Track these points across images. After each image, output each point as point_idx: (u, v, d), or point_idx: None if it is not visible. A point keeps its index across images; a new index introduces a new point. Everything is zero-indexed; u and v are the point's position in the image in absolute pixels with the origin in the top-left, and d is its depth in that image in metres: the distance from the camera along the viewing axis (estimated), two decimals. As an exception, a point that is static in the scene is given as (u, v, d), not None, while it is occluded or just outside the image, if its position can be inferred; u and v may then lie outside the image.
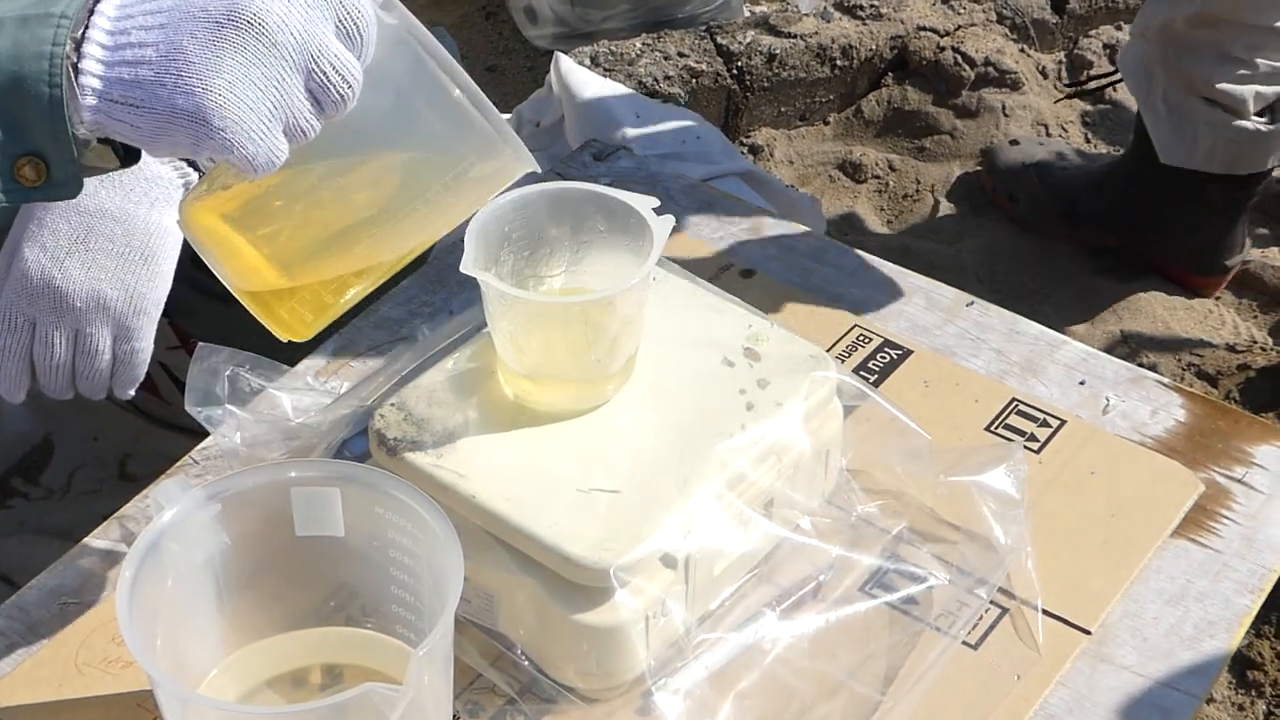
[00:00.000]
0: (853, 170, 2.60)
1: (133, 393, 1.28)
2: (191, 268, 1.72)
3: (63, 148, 0.93)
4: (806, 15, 2.71)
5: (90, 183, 1.22)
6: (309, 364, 1.33)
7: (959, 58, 2.68)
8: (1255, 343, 2.28)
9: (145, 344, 1.26)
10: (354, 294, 1.05)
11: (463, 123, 0.98)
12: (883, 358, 1.34)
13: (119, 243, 1.22)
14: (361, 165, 1.01)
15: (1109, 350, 1.92)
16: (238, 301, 1.71)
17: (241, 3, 0.90)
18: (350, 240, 1.02)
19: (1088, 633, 1.13)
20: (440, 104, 0.98)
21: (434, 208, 1.02)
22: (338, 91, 0.93)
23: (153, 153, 0.99)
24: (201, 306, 1.73)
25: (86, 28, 0.91)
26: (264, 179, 0.95)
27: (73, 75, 0.90)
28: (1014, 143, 2.56)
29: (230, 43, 0.90)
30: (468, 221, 1.06)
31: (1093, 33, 2.84)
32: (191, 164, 1.29)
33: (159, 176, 1.26)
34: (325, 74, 0.92)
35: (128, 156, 1.03)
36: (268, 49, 0.91)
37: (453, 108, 0.98)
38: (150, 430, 1.86)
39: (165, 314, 1.83)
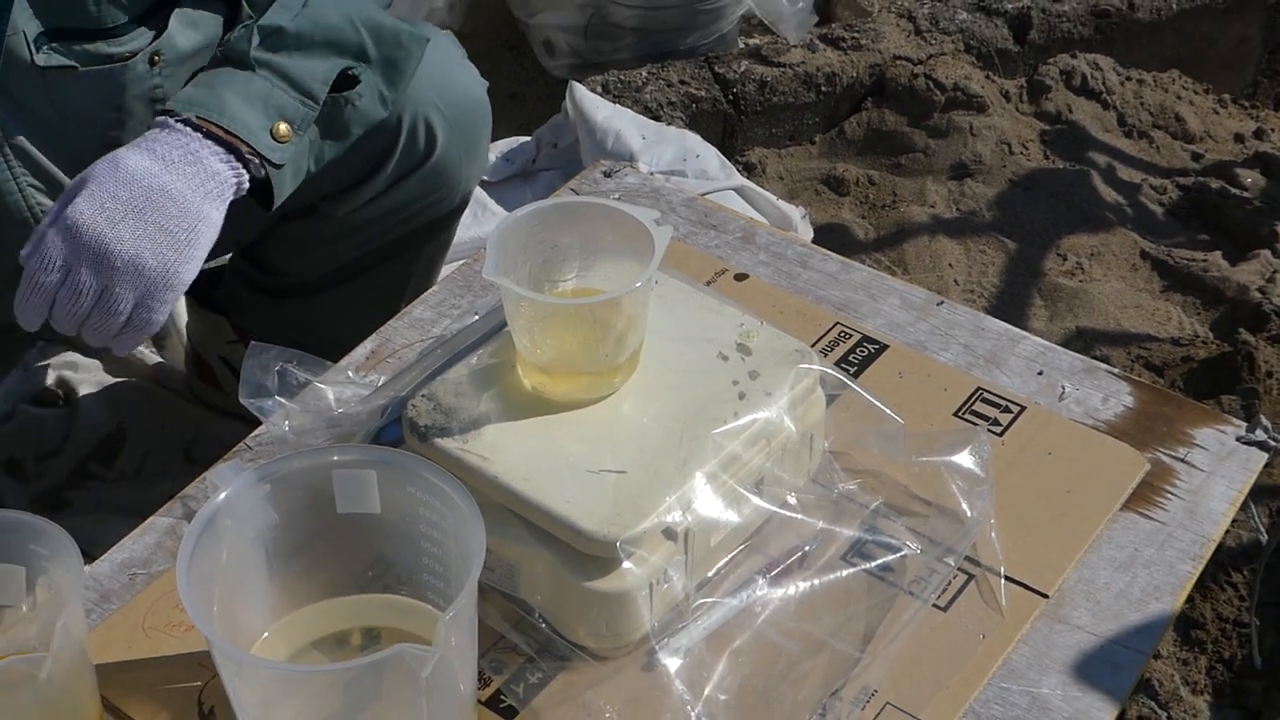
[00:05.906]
0: (836, 184, 2.60)
1: (125, 354, 1.27)
2: (245, 264, 1.71)
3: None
4: (794, 46, 2.70)
5: (156, 164, 1.22)
6: (349, 360, 1.33)
7: (931, 84, 2.67)
8: (1197, 336, 2.27)
9: (161, 317, 1.24)
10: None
11: None
12: (861, 352, 1.33)
13: (170, 220, 1.21)
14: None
15: (1066, 344, 1.91)
16: (287, 298, 1.71)
17: None
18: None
19: (1046, 596, 1.13)
20: None
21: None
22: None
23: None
24: (257, 303, 1.73)
25: None
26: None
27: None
28: None
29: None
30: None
31: (1051, 60, 2.83)
32: (244, 164, 1.28)
33: (217, 172, 1.24)
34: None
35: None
36: None
37: None
38: (212, 419, 1.86)
39: (223, 311, 1.82)
